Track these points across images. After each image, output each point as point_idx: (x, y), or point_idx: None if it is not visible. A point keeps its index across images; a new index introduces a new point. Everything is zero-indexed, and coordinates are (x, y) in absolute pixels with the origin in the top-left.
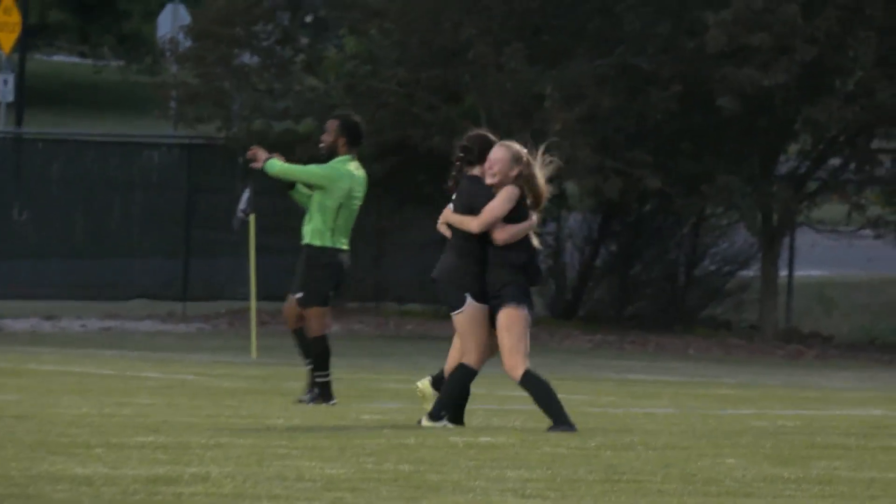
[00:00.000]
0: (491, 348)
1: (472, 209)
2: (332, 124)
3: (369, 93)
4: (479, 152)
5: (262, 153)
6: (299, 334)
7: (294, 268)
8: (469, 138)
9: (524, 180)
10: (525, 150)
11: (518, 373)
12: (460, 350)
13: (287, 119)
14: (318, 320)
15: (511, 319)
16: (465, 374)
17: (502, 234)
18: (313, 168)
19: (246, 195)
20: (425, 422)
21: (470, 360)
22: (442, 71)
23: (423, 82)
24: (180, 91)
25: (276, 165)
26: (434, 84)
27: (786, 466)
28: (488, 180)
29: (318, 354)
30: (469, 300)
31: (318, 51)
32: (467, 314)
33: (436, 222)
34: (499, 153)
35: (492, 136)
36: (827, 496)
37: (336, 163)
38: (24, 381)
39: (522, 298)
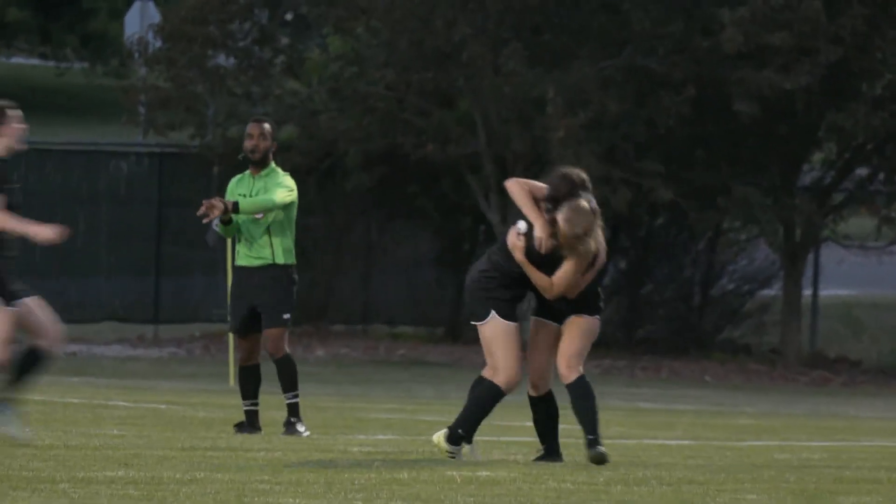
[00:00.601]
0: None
1: (540, 262)
2: (266, 129)
3: (355, 97)
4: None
5: (217, 202)
6: (253, 370)
7: (253, 293)
8: (553, 185)
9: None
10: (585, 226)
11: (573, 375)
12: (494, 367)
13: None
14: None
15: (584, 323)
16: (490, 394)
17: (577, 291)
18: (286, 186)
19: None
20: (439, 439)
21: (499, 378)
22: (434, 73)
23: (414, 85)
24: (150, 95)
25: (269, 201)
26: (426, 87)
27: (811, 502)
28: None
29: (294, 373)
30: (493, 315)
31: (300, 51)
32: (491, 326)
33: (428, 236)
34: (565, 228)
35: (576, 179)
36: None
37: (284, 173)
38: None
39: (596, 310)
